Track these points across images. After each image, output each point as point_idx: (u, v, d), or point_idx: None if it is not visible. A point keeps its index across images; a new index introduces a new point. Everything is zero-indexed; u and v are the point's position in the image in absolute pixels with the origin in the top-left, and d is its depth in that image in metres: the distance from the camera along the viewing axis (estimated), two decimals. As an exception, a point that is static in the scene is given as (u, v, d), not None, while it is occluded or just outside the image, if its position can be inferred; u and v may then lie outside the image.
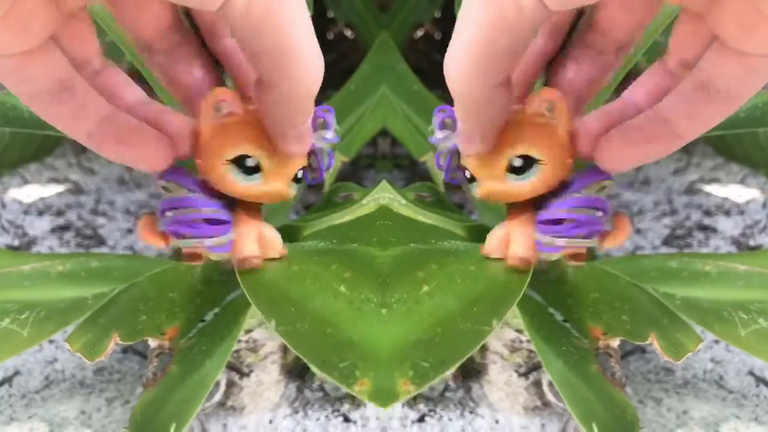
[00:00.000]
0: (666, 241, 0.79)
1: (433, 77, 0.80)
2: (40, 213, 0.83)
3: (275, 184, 0.46)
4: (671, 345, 0.54)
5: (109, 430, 0.59)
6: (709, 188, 0.87)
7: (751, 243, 0.80)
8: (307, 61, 0.39)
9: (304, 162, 0.46)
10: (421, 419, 0.59)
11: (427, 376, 0.43)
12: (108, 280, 0.60)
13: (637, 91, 0.45)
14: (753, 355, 0.53)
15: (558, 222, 0.47)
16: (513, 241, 0.49)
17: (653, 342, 0.54)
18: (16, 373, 0.65)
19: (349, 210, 0.61)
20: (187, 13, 0.45)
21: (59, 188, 0.86)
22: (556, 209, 0.46)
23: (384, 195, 0.62)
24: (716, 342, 0.66)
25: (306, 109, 0.42)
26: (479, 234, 0.62)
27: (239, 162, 0.44)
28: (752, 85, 0.38)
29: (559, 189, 0.46)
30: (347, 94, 0.77)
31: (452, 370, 0.45)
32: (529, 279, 0.48)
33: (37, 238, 0.79)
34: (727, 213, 0.84)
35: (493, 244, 0.50)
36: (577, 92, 0.45)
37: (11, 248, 0.79)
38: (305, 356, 0.43)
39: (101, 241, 0.79)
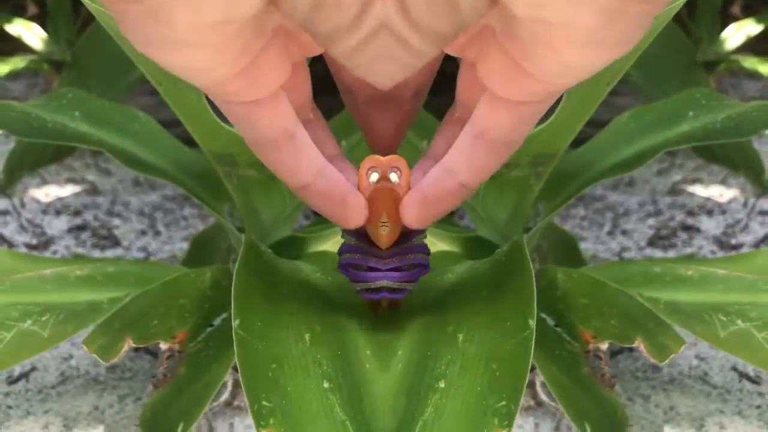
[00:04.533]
0: (651, 242, 0.79)
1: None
2: (58, 213, 0.82)
3: None
4: (656, 347, 0.54)
5: (120, 426, 0.59)
6: (691, 188, 0.87)
7: (733, 242, 0.80)
8: None
9: None
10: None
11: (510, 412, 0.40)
12: (123, 284, 0.60)
13: (439, 146, 0.44)
14: (732, 354, 0.53)
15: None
16: None
17: (639, 345, 0.54)
18: (33, 369, 0.65)
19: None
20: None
21: (76, 189, 0.86)
22: (395, 259, 0.44)
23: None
24: (700, 340, 0.65)
25: None
26: (476, 247, 0.62)
27: None
28: (523, 130, 0.39)
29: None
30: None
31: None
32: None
33: (55, 237, 0.79)
34: (710, 213, 0.83)
35: None
36: (388, 146, 0.45)
37: (30, 247, 0.78)
38: (243, 371, 0.41)
39: (116, 242, 0.78)
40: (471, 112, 0.40)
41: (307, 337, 0.44)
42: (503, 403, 0.40)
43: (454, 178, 0.41)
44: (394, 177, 0.42)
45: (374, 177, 0.42)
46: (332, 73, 0.44)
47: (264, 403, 0.40)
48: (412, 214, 0.42)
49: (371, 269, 0.44)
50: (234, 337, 0.42)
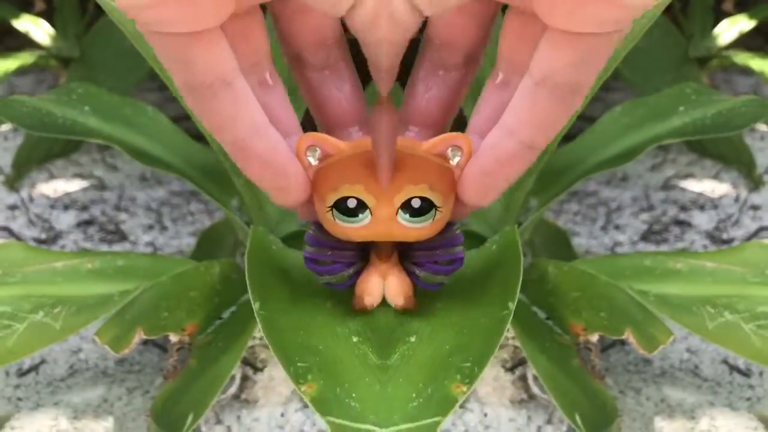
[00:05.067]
0: (644, 237, 0.79)
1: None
2: (66, 207, 0.82)
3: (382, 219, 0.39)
4: (645, 339, 0.54)
5: (129, 418, 0.59)
6: (684, 184, 0.86)
7: (724, 236, 0.80)
8: None
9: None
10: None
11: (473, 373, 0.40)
12: (133, 278, 0.60)
13: (481, 117, 0.39)
14: (720, 345, 0.54)
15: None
16: (390, 287, 0.43)
17: (629, 336, 0.54)
18: (43, 361, 0.65)
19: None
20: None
21: (84, 183, 0.86)
22: (439, 251, 0.42)
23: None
24: (691, 333, 0.64)
25: None
26: (468, 242, 0.62)
27: (340, 206, 0.38)
28: (590, 71, 0.35)
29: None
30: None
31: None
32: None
33: (63, 232, 0.79)
34: (702, 208, 0.83)
35: (374, 294, 0.43)
36: (433, 119, 0.41)
37: (38, 241, 0.79)
38: (272, 343, 0.40)
39: (123, 237, 0.79)
40: (519, 70, 0.36)
41: (328, 304, 0.44)
42: (468, 364, 0.40)
43: (514, 137, 0.36)
44: (455, 157, 0.38)
45: (314, 157, 0.38)
46: (280, 40, 0.40)
47: (299, 364, 0.40)
48: (470, 191, 0.38)
49: (334, 262, 0.42)
50: (257, 318, 0.41)
